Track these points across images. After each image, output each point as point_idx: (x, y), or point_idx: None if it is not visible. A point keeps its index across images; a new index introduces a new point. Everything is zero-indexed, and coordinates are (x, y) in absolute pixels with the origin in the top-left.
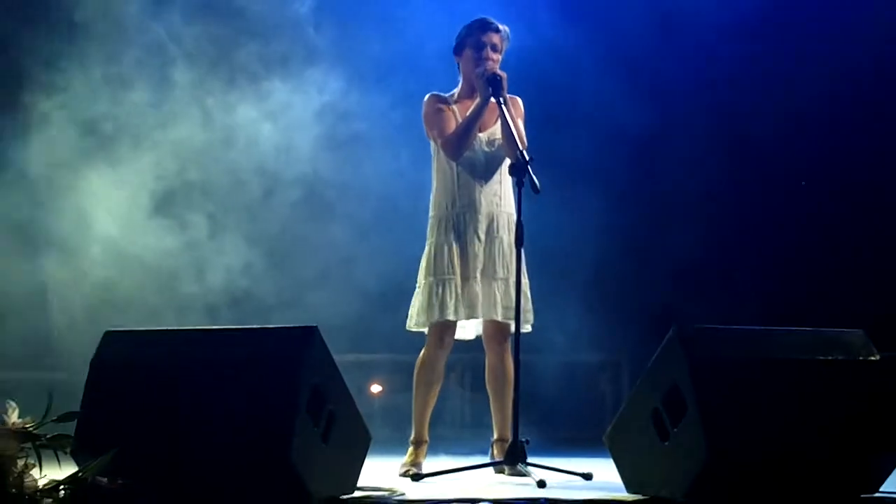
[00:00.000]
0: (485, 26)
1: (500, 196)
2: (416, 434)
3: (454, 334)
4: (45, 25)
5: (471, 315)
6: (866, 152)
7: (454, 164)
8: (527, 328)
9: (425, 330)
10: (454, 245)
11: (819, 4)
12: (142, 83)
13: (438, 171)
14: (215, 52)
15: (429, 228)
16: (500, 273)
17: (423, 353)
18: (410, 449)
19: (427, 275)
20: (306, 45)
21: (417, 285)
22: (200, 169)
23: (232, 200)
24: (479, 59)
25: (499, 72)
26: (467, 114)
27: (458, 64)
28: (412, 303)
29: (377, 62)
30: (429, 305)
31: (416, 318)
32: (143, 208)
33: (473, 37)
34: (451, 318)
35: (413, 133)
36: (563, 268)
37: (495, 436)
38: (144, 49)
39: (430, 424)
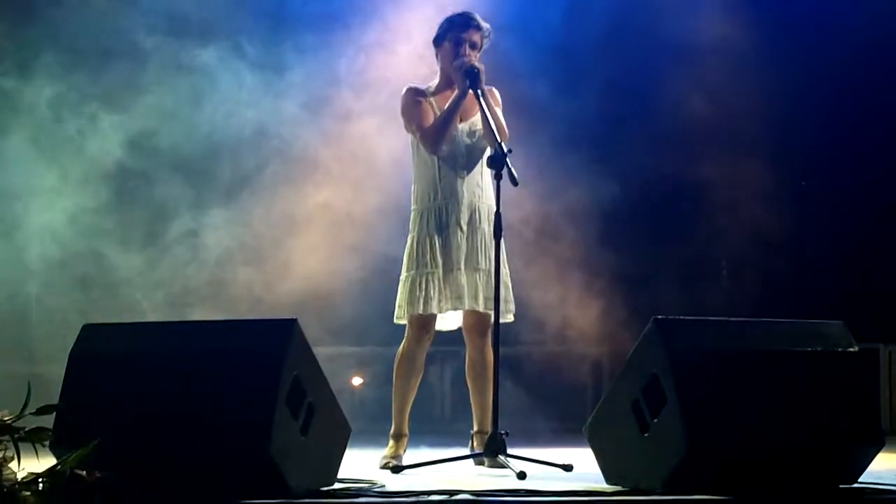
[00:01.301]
0: (466, 22)
1: (481, 187)
2: (395, 427)
3: (435, 327)
4: None
5: (456, 307)
6: (862, 149)
7: (435, 156)
8: (508, 318)
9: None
10: (436, 237)
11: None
12: (109, 56)
13: (419, 163)
14: (185, 22)
15: (411, 221)
16: (482, 264)
17: (403, 346)
18: (391, 442)
19: (409, 268)
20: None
21: (401, 278)
22: (171, 148)
23: (207, 187)
24: (457, 54)
25: (476, 64)
26: (445, 106)
27: (437, 55)
28: (398, 294)
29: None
30: (411, 299)
31: (397, 311)
32: (109, 191)
33: (453, 31)
34: (433, 311)
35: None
36: (545, 259)
37: (475, 428)
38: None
39: (410, 417)
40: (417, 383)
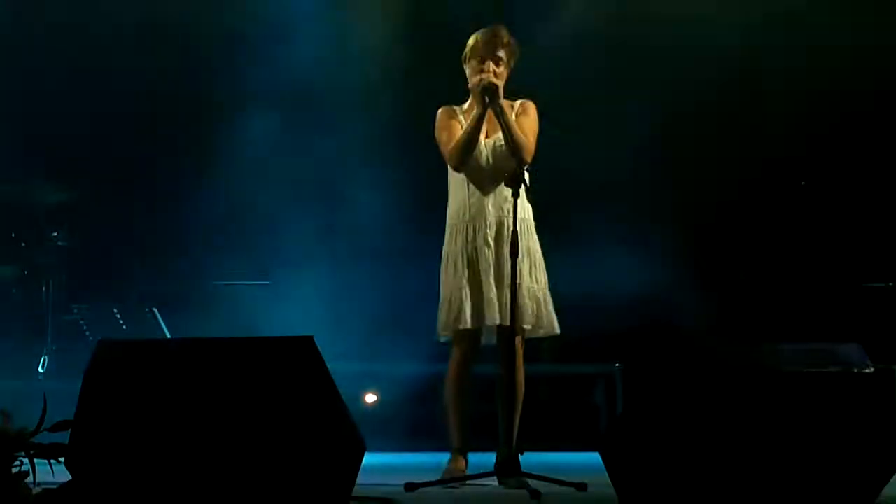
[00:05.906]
0: (490, 38)
1: (510, 202)
2: (457, 442)
3: (477, 342)
4: None
5: (485, 322)
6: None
7: (464, 174)
8: (555, 330)
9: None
10: (462, 254)
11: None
12: None
13: (452, 181)
14: None
15: (444, 238)
16: (508, 280)
17: (450, 366)
18: (455, 456)
19: (443, 284)
20: None
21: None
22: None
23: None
24: (479, 71)
25: (493, 80)
26: (466, 125)
27: (466, 73)
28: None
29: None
30: (446, 316)
31: (439, 329)
32: None
33: (477, 47)
34: (466, 326)
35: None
36: (556, 277)
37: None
38: None
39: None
40: (469, 398)
